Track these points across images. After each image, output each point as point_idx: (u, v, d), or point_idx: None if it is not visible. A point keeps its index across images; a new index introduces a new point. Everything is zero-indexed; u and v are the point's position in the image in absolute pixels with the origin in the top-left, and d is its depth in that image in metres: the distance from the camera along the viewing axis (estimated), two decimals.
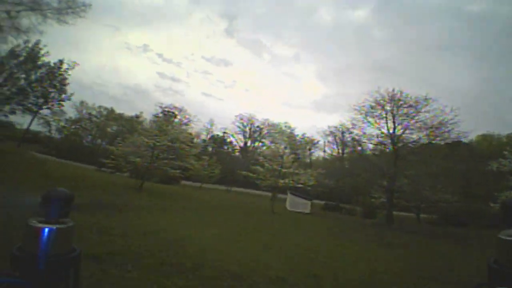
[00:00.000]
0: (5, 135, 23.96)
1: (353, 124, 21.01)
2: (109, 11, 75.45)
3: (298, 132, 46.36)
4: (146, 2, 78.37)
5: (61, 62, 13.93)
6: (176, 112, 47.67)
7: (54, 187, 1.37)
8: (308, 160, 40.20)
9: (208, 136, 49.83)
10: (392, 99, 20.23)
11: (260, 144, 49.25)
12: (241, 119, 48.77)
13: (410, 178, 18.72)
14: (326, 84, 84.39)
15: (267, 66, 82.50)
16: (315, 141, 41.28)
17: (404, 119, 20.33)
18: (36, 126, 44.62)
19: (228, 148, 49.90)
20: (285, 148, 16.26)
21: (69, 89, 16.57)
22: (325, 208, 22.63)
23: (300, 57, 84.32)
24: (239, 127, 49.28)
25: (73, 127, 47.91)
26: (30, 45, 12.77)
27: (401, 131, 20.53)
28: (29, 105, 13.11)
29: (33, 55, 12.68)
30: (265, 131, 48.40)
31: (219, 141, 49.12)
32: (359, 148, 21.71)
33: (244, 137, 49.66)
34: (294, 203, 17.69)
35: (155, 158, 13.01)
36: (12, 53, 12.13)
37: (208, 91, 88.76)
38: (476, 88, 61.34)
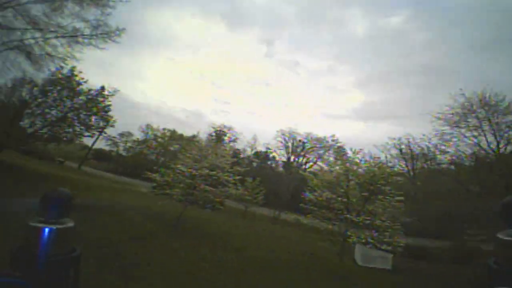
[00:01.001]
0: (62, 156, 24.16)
1: (443, 139, 14.93)
2: (165, 46, 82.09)
3: (348, 145, 39.72)
4: (195, 36, 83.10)
5: (102, 89, 11.79)
6: (226, 131, 48.70)
7: (54, 187, 1.26)
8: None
9: (252, 152, 47.06)
10: (486, 104, 13.56)
11: (303, 160, 43.64)
12: (283, 134, 43.41)
13: None
14: (366, 91, 74.90)
15: (304, 81, 78.05)
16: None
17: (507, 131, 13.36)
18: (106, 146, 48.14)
19: (271, 164, 45.13)
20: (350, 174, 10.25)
21: (116, 115, 14.71)
22: (409, 255, 15.55)
23: (336, 68, 77.57)
24: (281, 142, 43.85)
25: (139, 147, 50.18)
26: (65, 71, 10.92)
27: (504, 146, 13.55)
28: (67, 133, 11.09)
29: (70, 82, 10.75)
30: (308, 145, 42.65)
31: (262, 157, 45.37)
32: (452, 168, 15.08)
33: (287, 152, 44.03)
34: (367, 256, 11.01)
35: (193, 188, 9.70)
36: (50, 81, 10.36)
37: (252, 110, 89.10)
38: None
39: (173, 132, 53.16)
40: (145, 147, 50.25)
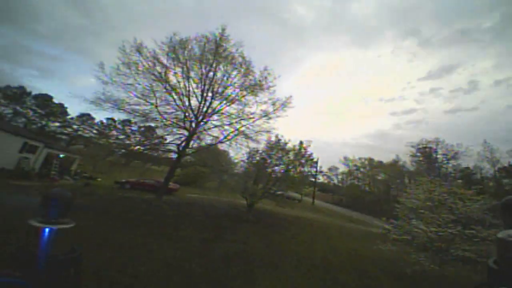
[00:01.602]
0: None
1: None
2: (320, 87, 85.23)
3: None
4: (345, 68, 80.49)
5: (301, 143, 15.39)
6: (433, 147, 36.74)
7: (54, 188, 1.23)
8: None
9: (495, 169, 29.56)
10: None
11: None
12: None
13: None
14: None
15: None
16: None
17: None
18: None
19: None
20: None
21: (320, 156, 17.80)
22: None
23: None
24: None
25: (348, 178, 51.35)
26: (273, 139, 15.63)
27: None
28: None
29: (280, 145, 15.16)
30: None
31: None
32: None
33: None
34: None
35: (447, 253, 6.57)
36: (268, 148, 15.38)
37: (450, 107, 58.11)
38: None
39: (370, 159, 49.64)
40: (352, 178, 50.42)
